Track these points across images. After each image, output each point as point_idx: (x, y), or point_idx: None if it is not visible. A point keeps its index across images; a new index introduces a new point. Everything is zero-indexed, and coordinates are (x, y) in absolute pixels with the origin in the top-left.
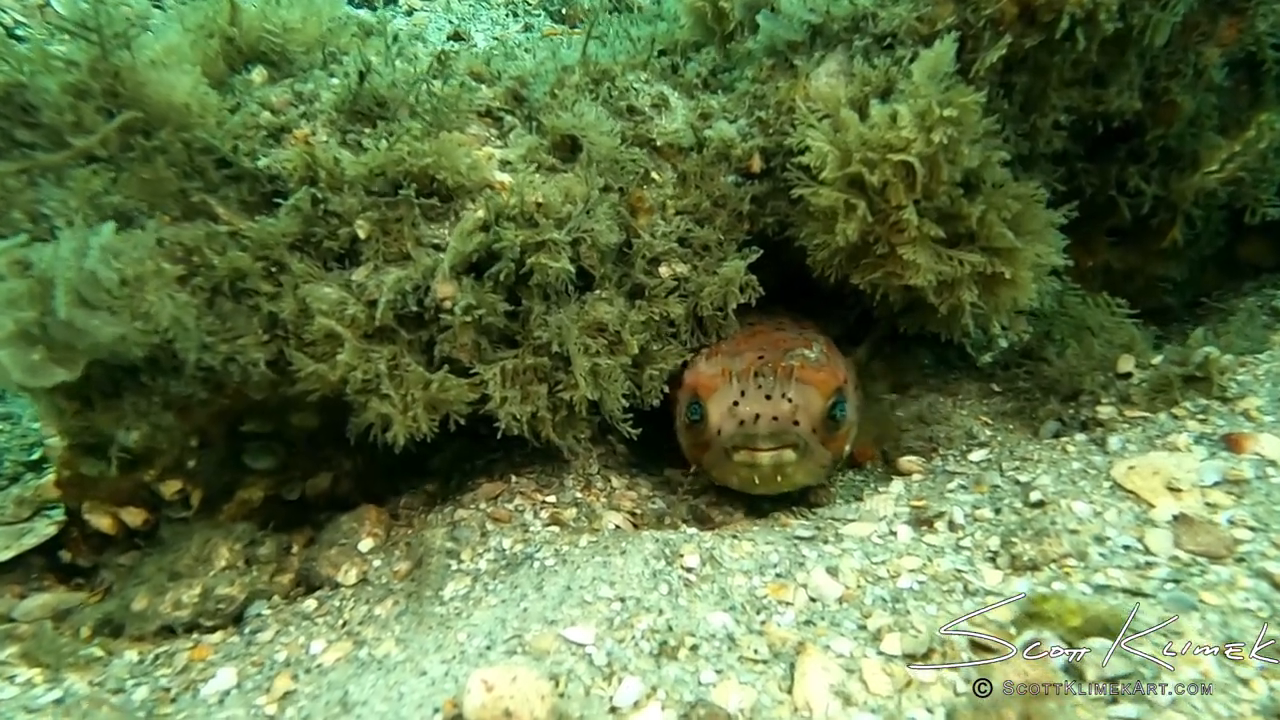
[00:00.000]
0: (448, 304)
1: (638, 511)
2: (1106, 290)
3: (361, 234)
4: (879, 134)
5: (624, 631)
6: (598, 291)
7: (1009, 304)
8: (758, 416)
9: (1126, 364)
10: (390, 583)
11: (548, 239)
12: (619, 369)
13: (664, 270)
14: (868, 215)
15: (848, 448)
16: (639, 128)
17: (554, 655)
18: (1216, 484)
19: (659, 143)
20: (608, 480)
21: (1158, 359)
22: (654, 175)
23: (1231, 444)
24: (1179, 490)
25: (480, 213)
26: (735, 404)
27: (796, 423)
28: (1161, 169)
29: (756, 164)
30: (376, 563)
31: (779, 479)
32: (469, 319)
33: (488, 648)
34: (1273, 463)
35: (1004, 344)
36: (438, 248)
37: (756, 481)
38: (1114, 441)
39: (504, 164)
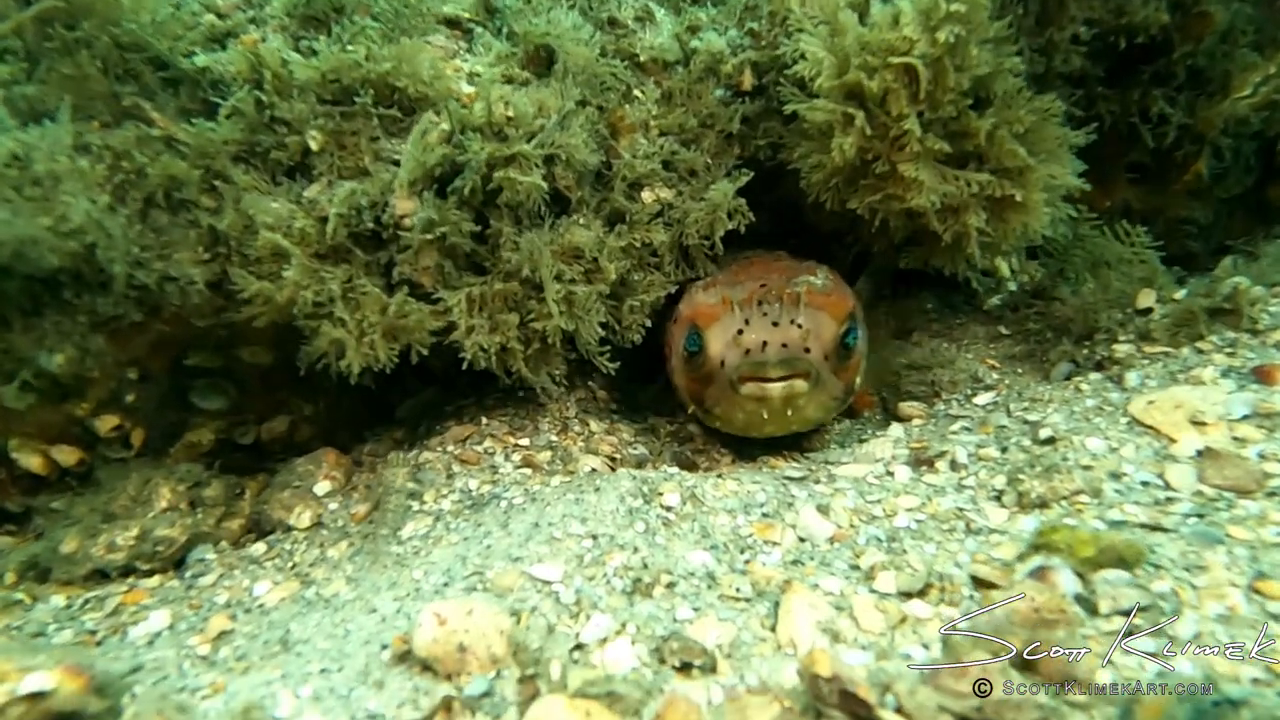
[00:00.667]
0: (407, 221)
1: (617, 457)
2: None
3: (314, 145)
4: (879, 35)
5: (595, 569)
6: (574, 216)
7: (1019, 230)
8: (765, 344)
9: (1147, 299)
10: (346, 525)
11: (517, 152)
12: (596, 297)
13: (646, 195)
14: (866, 128)
15: (858, 380)
16: (621, 41)
17: (517, 592)
18: (1245, 418)
19: (642, 58)
20: (586, 424)
21: (1181, 293)
22: (636, 92)
23: (1262, 376)
24: (1204, 424)
25: (445, 124)
26: (740, 332)
27: (807, 350)
28: (1188, 93)
29: (747, 80)
30: (333, 505)
31: (789, 413)
32: (430, 237)
33: (445, 584)
34: None
35: (1013, 286)
36: (399, 164)
37: (765, 417)
38: (1132, 378)
39: (473, 77)
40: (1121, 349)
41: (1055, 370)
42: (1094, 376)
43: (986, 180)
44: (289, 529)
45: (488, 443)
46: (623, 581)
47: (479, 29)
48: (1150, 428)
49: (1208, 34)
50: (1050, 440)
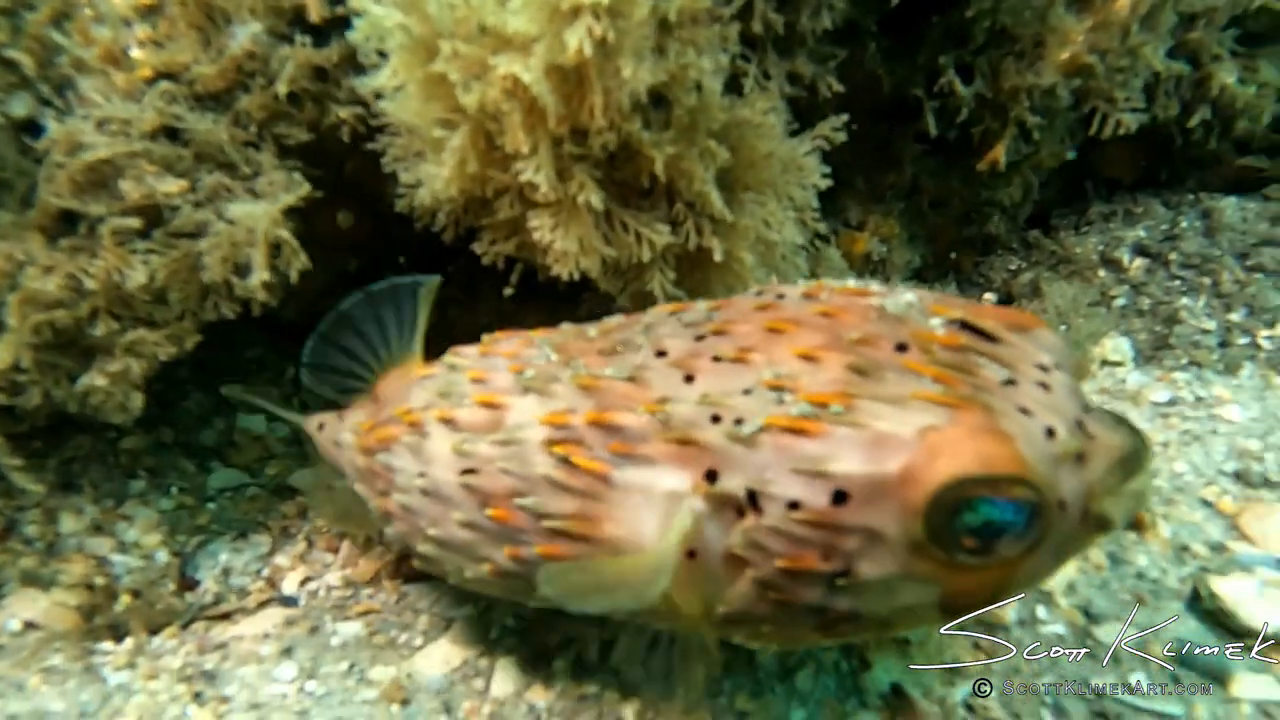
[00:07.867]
0: None
1: None
2: (912, 214)
3: None
4: (476, 14)
5: None
6: None
7: (724, 293)
8: (1051, 431)
9: None
10: None
11: None
12: None
13: (128, 186)
14: (471, 159)
15: None
16: None
17: None
18: None
19: None
20: None
21: None
22: None
23: None
24: None
25: None
26: (1050, 432)
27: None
28: (991, 54)
29: (316, 7)
30: None
31: None
32: None
33: None
34: None
35: None
36: None
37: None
38: None
39: None
40: None
41: None
42: None
43: (667, 243)
44: None
45: None
46: None
47: None
48: None
49: None
50: None
